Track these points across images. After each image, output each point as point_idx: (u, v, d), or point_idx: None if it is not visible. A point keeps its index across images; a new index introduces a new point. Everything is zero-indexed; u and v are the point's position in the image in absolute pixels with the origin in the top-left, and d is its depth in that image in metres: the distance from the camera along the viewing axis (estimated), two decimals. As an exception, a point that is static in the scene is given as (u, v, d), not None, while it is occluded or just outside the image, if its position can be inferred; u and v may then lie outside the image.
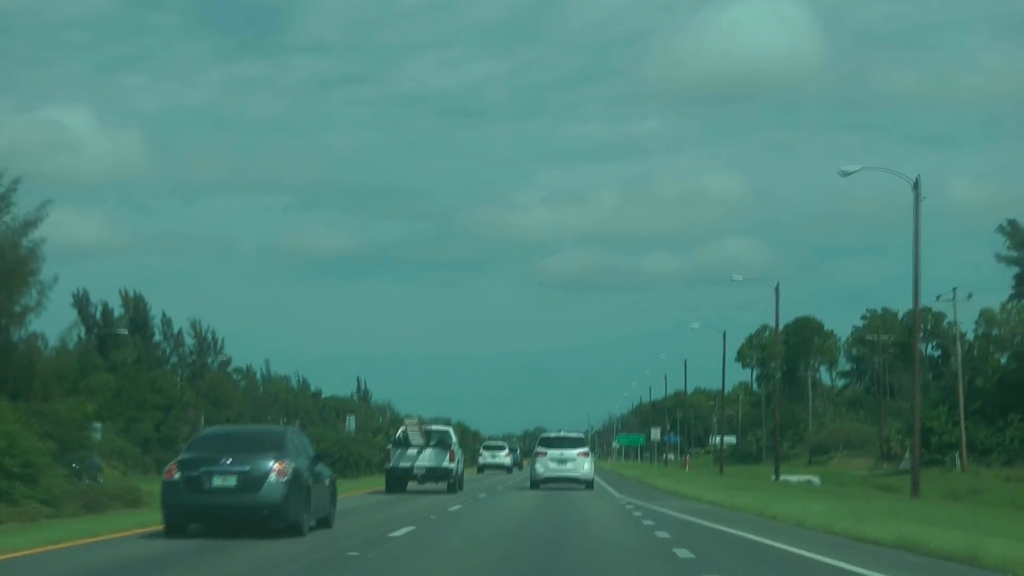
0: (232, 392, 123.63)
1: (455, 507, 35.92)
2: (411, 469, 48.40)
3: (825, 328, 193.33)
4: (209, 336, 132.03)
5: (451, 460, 48.77)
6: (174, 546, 21.43)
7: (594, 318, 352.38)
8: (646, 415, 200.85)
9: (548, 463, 53.22)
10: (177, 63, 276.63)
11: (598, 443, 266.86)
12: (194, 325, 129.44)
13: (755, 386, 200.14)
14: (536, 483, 52.71)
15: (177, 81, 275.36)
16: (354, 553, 20.17)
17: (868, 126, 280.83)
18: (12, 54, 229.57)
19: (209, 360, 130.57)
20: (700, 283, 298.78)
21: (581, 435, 63.60)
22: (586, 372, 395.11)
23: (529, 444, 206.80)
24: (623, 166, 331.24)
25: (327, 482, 25.52)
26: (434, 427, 52.89)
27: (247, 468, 22.57)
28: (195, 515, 22.90)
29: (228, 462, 22.67)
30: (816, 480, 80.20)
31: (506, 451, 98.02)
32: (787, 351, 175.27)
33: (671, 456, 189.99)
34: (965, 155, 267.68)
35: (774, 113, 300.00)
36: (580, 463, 53.29)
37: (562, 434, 59.62)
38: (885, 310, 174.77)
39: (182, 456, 23.38)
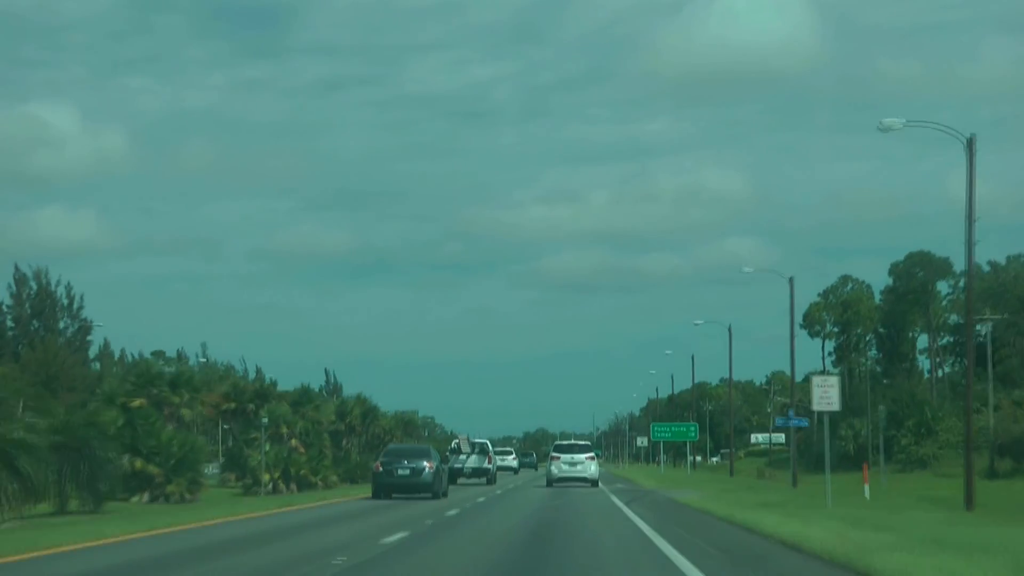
0: (75, 369, 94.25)
1: (499, 491, 59.99)
2: (462, 469, 72.38)
3: (955, 268, 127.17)
4: (62, 294, 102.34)
5: (488, 463, 73.08)
6: (380, 502, 45.58)
7: (598, 319, 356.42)
8: (661, 412, 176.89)
9: (562, 465, 64.55)
10: (182, 65, 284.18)
11: (605, 444, 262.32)
12: (39, 276, 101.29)
13: (829, 362, 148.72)
14: (551, 482, 64.45)
15: (181, 83, 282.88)
16: (467, 505, 44.25)
17: (874, 126, 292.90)
18: (15, 55, 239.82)
19: (62, 325, 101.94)
20: (707, 283, 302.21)
21: (588, 442, 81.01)
22: (590, 373, 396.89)
23: (529, 446, 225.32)
24: (628, 167, 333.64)
25: (445, 472, 49.97)
26: (477, 440, 76.89)
27: (415, 465, 47.30)
28: (389, 488, 47.79)
29: (405, 462, 47.34)
30: None
31: (513, 455, 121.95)
32: (891, 306, 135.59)
33: (697, 458, 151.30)
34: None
35: (780, 114, 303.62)
36: (587, 465, 64.69)
37: (572, 441, 77.04)
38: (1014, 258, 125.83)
39: (382, 459, 48.29)
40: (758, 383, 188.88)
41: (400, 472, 47.31)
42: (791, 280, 70.84)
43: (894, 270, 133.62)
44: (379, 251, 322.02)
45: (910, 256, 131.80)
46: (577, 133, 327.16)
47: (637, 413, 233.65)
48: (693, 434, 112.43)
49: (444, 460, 75.10)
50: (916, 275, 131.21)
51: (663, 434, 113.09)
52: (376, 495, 48.13)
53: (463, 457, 72.94)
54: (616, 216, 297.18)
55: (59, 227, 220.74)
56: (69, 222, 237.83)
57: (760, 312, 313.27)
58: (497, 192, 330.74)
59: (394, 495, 47.58)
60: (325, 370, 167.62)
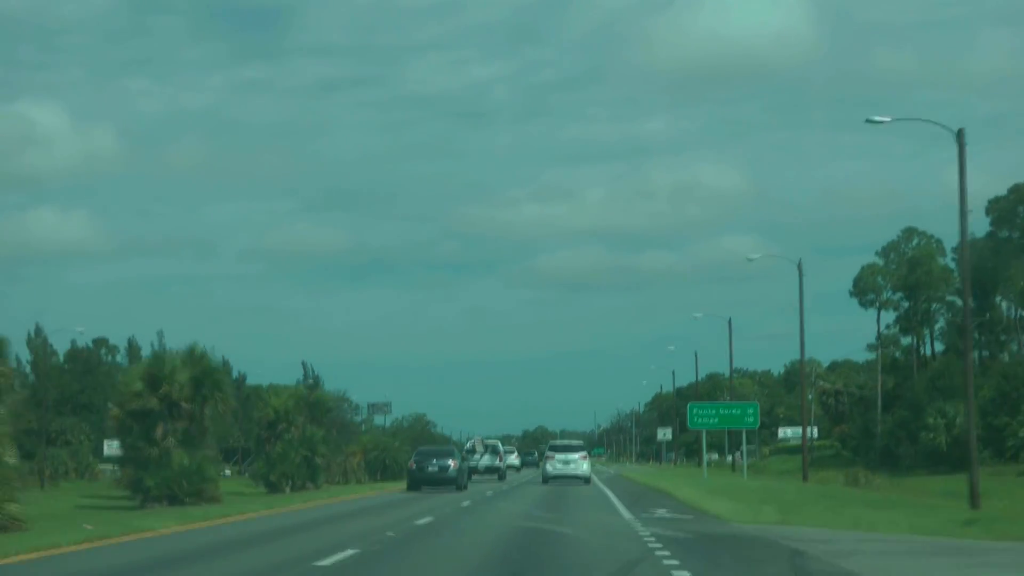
0: None
1: (506, 487, 70.25)
2: (476, 467, 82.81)
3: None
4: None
5: (500, 461, 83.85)
6: (414, 494, 56.41)
7: (596, 317, 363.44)
8: (667, 407, 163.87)
9: (556, 464, 69.35)
10: (179, 67, 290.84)
11: (607, 442, 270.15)
12: None
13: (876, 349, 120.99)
14: (546, 479, 69.33)
15: (179, 85, 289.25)
16: (489, 493, 54.80)
17: (873, 124, 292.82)
18: (12, 57, 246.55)
19: None
20: (705, 281, 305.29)
21: (581, 442, 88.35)
22: (588, 372, 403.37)
23: (529, 444, 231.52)
24: (626, 165, 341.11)
25: (466, 468, 60.66)
26: (488, 440, 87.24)
27: (442, 463, 58.33)
28: (421, 482, 58.86)
29: (434, 460, 58.31)
30: None
31: (515, 454, 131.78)
32: (979, 260, 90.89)
33: (714, 455, 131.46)
34: (970, 152, 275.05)
35: (777, 110, 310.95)
36: (580, 463, 69.49)
37: (567, 441, 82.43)
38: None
39: (415, 458, 59.31)
40: (776, 375, 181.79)
41: (430, 469, 58.21)
42: (960, 132, 42.36)
43: (992, 208, 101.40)
44: (376, 251, 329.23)
45: (1015, 189, 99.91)
46: (575, 132, 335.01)
47: (641, 409, 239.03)
48: (752, 418, 78.85)
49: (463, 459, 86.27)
50: (1013, 216, 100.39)
51: (707, 419, 79.81)
52: (410, 487, 59.06)
53: (477, 456, 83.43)
54: (613, 214, 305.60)
55: (55, 228, 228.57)
56: (65, 223, 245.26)
57: (761, 309, 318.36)
58: (494, 191, 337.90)
59: (424, 487, 58.18)
60: (303, 363, 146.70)
